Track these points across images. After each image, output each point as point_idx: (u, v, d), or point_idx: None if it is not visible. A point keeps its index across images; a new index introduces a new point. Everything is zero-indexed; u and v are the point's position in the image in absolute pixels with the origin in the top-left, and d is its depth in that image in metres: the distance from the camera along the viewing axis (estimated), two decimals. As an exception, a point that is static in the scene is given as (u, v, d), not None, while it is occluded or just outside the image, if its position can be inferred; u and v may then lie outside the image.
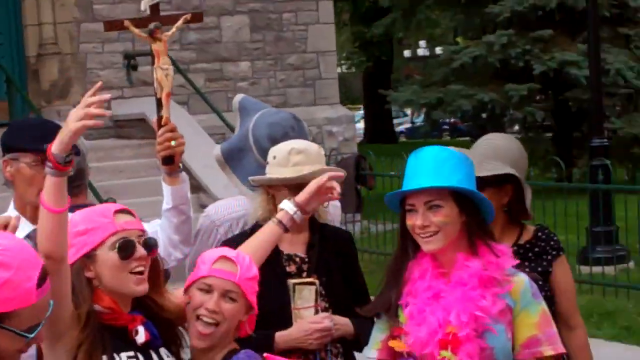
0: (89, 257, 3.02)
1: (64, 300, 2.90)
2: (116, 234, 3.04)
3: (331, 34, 14.59)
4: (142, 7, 3.60)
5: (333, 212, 3.98)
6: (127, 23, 3.52)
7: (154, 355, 3.08)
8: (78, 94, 13.02)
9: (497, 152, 3.72)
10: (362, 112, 34.13)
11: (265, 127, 3.90)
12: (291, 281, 3.61)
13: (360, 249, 7.94)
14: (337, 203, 4.15)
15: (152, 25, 3.51)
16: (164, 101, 3.61)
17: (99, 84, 3.01)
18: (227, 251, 3.26)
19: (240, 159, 3.95)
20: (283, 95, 14.06)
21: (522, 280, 3.21)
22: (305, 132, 3.93)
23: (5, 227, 3.13)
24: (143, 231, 3.11)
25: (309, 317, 3.60)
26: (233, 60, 13.89)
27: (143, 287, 3.05)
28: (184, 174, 3.66)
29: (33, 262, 2.50)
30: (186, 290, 3.22)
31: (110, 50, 13.13)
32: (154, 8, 3.57)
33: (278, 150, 3.70)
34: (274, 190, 3.69)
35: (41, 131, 3.57)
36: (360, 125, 31.90)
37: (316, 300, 3.62)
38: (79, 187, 4.03)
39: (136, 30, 3.56)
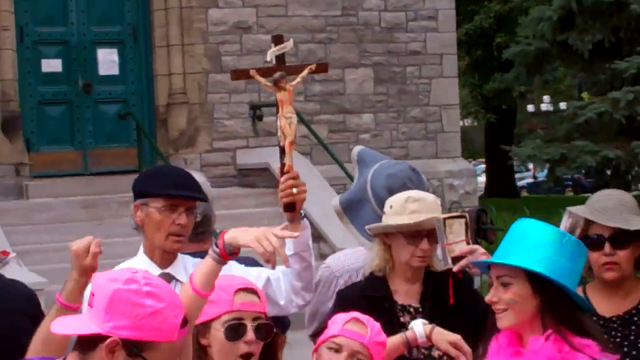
0: (205, 326, 3.07)
1: None
2: (231, 313, 3.06)
3: (454, 87, 14.63)
4: (268, 58, 3.70)
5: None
6: (253, 72, 3.63)
7: None
8: (205, 142, 13.34)
9: (626, 206, 3.69)
10: (483, 166, 33.90)
11: (383, 178, 3.96)
12: (441, 216, 3.57)
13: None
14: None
15: (277, 75, 3.60)
16: (286, 149, 3.69)
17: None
18: (359, 314, 3.27)
19: (358, 210, 4.01)
20: (405, 147, 14.13)
21: None
22: (423, 183, 3.98)
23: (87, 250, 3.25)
24: (262, 314, 3.11)
25: (461, 250, 3.56)
26: (356, 112, 14.03)
27: None
28: (306, 221, 3.71)
29: (179, 304, 2.65)
30: (315, 350, 3.24)
31: (237, 101, 13.41)
32: (279, 58, 3.66)
33: (395, 200, 3.76)
34: (391, 240, 3.74)
35: (171, 178, 3.71)
36: (482, 179, 31.68)
37: (467, 234, 3.57)
38: (204, 233, 4.15)
39: (262, 80, 3.65)
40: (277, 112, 3.67)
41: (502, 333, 3.10)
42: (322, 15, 13.76)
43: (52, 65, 13.00)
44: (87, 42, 13.08)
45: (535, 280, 3.02)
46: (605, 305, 3.73)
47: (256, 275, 3.72)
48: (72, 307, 3.23)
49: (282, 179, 3.65)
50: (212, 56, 13.27)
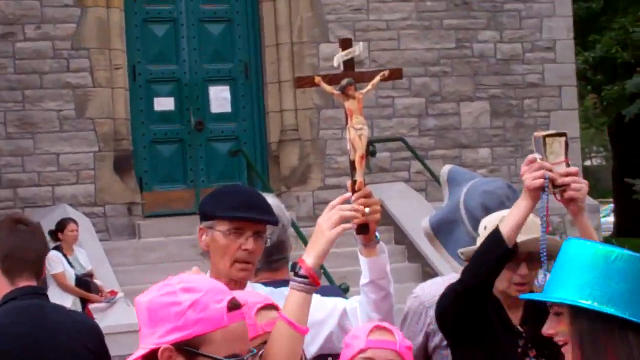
0: None
1: None
2: (260, 337, 2.80)
3: (574, 120, 14.11)
4: (335, 63, 3.38)
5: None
6: (318, 79, 3.32)
7: None
8: (317, 179, 13.12)
9: None
10: (612, 205, 32.96)
11: (478, 196, 3.65)
12: (540, 134, 3.24)
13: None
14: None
15: (344, 82, 3.26)
16: (357, 164, 3.34)
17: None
18: (378, 321, 3.04)
19: (450, 232, 3.69)
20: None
21: None
22: (521, 202, 3.61)
23: None
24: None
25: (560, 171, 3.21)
26: (472, 146, 13.64)
27: None
28: (382, 244, 3.37)
29: (223, 290, 2.50)
30: None
31: (349, 137, 13.17)
32: (348, 63, 3.33)
33: (490, 221, 3.45)
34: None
35: (238, 198, 3.40)
36: (611, 219, 30.74)
37: (566, 154, 3.25)
38: (278, 261, 3.86)
39: (328, 88, 3.33)
40: (346, 123, 3.33)
41: None
42: (435, 48, 13.47)
43: (164, 103, 13.00)
44: (198, 79, 13.06)
45: (575, 309, 2.65)
46: None
47: (332, 307, 3.43)
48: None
49: (352, 198, 3.29)
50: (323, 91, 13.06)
